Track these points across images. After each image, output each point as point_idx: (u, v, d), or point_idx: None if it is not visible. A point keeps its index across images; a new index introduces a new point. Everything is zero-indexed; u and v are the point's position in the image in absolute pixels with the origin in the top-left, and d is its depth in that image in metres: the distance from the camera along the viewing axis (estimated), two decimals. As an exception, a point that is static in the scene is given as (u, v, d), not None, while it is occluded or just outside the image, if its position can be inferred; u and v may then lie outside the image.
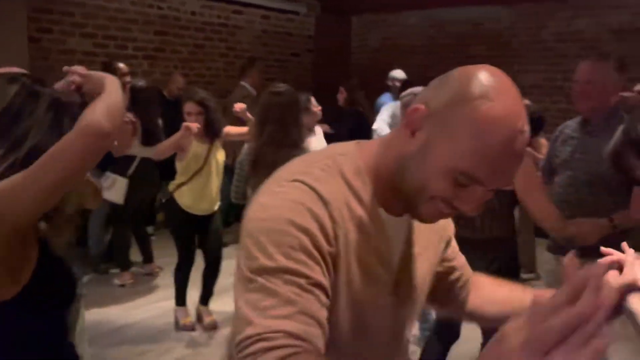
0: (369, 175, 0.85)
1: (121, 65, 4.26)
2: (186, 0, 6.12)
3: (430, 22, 6.95)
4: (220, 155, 3.49)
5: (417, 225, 0.92)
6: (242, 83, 5.25)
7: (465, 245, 1.13)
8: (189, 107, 3.33)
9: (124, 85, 3.93)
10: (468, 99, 0.74)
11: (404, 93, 3.15)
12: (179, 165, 3.43)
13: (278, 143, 2.67)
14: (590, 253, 1.14)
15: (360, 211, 0.83)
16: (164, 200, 3.50)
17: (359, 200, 0.84)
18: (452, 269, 1.07)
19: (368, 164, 0.86)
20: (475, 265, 1.15)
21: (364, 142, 0.90)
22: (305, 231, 0.75)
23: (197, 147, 3.36)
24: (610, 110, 2.17)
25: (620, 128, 1.57)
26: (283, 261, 0.72)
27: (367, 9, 7.34)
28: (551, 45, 6.01)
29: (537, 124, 3.20)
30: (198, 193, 3.38)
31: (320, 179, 0.81)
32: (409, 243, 0.92)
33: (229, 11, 6.55)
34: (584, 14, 5.78)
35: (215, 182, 3.46)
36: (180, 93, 5.12)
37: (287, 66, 7.32)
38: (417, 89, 3.06)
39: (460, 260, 1.09)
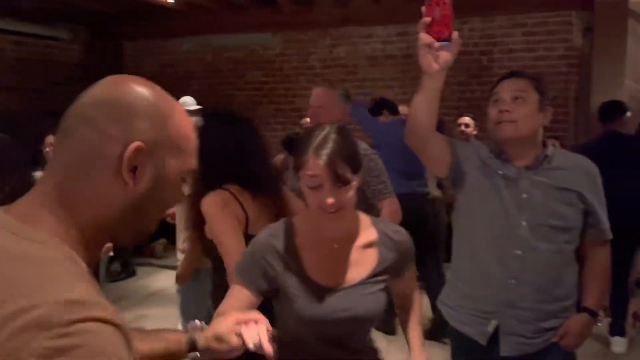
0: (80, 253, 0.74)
1: None
2: None
3: (206, 49, 6.96)
4: None
5: None
6: None
7: None
8: None
9: None
10: (163, 115, 0.78)
11: None
12: None
13: None
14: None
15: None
16: None
17: None
18: None
19: (73, 241, 0.73)
20: None
21: (48, 222, 0.72)
22: None
23: None
24: None
25: None
26: None
27: (140, 35, 7.04)
28: (319, 71, 6.51)
29: None
30: None
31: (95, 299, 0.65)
32: None
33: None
34: (343, 42, 6.39)
35: None
36: None
37: (47, 96, 6.59)
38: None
39: None
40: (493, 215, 1.75)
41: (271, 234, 1.42)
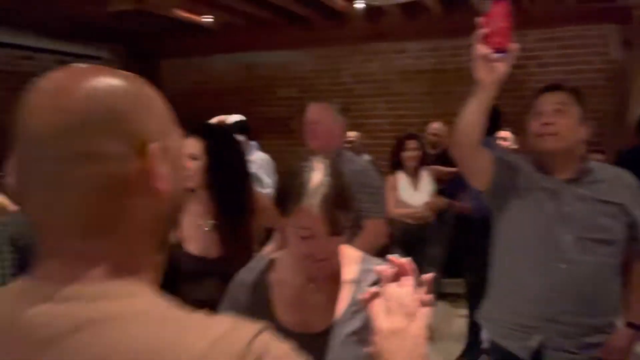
0: None
1: None
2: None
3: (239, 66, 7.10)
4: None
5: None
6: None
7: None
8: None
9: None
10: (147, 99, 0.69)
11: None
12: None
13: None
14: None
15: None
16: None
17: None
18: None
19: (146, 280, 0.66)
20: None
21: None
22: None
23: None
24: (338, 149, 2.38)
25: None
26: None
27: (175, 53, 7.23)
28: (350, 86, 6.55)
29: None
30: None
31: None
32: None
33: (17, 57, 5.90)
34: (374, 58, 6.43)
35: None
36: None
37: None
38: None
39: None
40: (535, 229, 1.73)
41: (247, 267, 1.34)
